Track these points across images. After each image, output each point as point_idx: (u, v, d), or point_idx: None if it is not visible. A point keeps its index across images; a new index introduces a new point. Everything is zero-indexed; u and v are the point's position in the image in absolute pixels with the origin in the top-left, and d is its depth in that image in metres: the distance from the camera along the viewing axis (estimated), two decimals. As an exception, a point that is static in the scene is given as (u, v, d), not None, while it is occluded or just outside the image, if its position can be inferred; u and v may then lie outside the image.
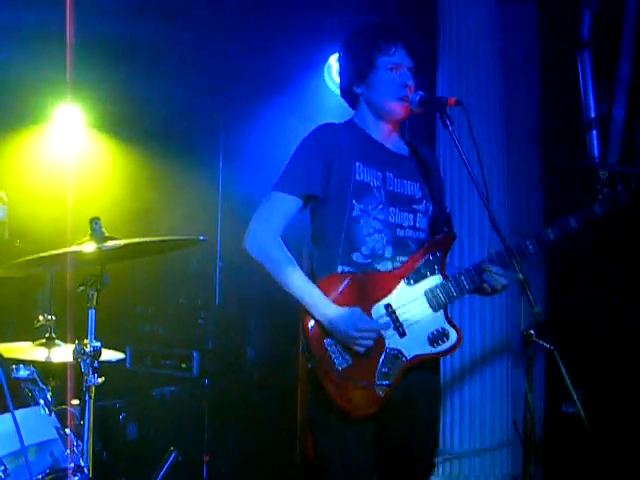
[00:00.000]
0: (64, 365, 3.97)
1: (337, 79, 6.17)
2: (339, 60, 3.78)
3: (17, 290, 5.28)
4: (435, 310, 3.52)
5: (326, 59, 6.25)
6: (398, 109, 3.59)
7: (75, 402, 3.96)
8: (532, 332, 3.58)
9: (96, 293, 3.70)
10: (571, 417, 5.18)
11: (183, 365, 6.10)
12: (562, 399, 5.42)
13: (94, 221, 3.74)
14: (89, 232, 3.77)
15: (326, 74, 6.28)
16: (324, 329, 3.43)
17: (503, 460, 5.25)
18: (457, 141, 3.45)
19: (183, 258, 6.16)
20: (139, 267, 5.85)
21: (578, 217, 3.60)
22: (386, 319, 3.46)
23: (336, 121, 3.73)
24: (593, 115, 5.48)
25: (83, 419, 3.70)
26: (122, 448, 5.34)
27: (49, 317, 4.10)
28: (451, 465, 5.28)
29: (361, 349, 3.40)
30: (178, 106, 6.29)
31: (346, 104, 3.79)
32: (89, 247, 3.71)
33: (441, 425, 5.29)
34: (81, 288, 3.69)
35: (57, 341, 4.12)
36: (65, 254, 3.78)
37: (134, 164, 6.28)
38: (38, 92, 6.08)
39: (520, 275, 3.34)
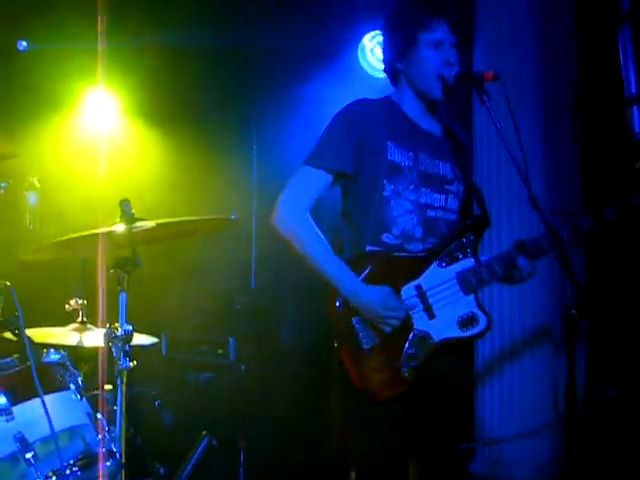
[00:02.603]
0: (96, 349, 3.94)
1: (371, 60, 6.21)
2: (382, 36, 3.70)
3: (48, 274, 5.27)
4: (466, 294, 3.45)
5: (359, 40, 6.18)
6: (437, 86, 3.52)
7: (108, 387, 3.92)
8: (574, 312, 3.49)
9: (127, 276, 3.66)
10: (613, 399, 5.08)
11: (219, 351, 6.06)
12: (604, 381, 5.32)
13: (124, 202, 3.70)
14: (119, 214, 3.74)
15: (360, 55, 6.21)
16: (352, 307, 3.37)
17: (544, 444, 5.17)
18: (495, 118, 3.36)
19: (218, 242, 6.13)
20: (175, 252, 5.82)
21: (615, 209, 3.52)
22: (415, 300, 3.41)
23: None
24: (634, 91, 5.36)
25: (115, 404, 3.67)
26: (157, 434, 5.30)
27: (80, 301, 4.08)
28: (491, 450, 5.21)
29: (388, 328, 3.35)
30: (211, 89, 6.24)
31: (385, 82, 3.73)
32: (118, 228, 3.67)
33: (480, 409, 5.23)
34: (112, 271, 3.65)
35: (89, 325, 4.09)
36: (95, 236, 3.75)
37: (166, 148, 6.26)
38: (70, 78, 6.07)
39: (561, 256, 3.27)
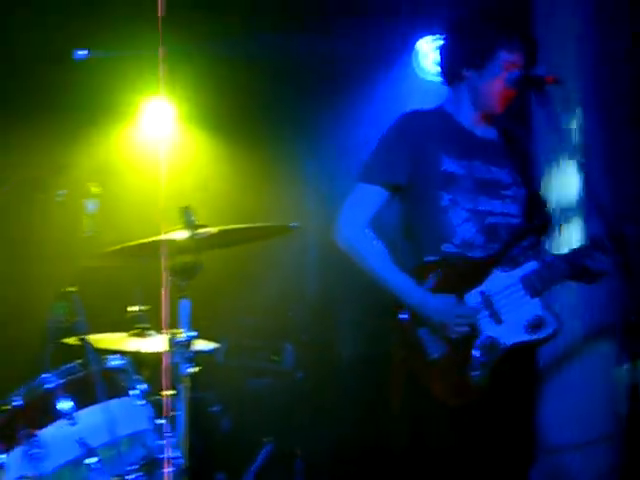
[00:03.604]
0: (157, 355, 3.95)
1: (425, 64, 6.18)
2: (450, 37, 3.66)
3: (109, 281, 5.31)
4: (532, 297, 3.42)
5: (412, 44, 6.17)
6: (501, 104, 3.52)
7: (169, 392, 3.93)
8: (634, 318, 3.45)
9: (188, 282, 3.68)
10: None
11: (275, 357, 6.06)
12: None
13: (185, 210, 3.73)
14: (180, 221, 3.76)
15: (414, 59, 6.19)
16: (417, 318, 3.37)
17: (604, 454, 5.10)
18: (555, 121, 3.34)
19: (274, 248, 6.14)
20: (230, 257, 5.83)
21: None
22: (481, 306, 3.40)
23: (422, 107, 3.67)
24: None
25: (177, 409, 3.69)
26: (215, 440, 5.31)
27: (141, 307, 4.11)
28: (550, 458, 5.15)
29: (456, 336, 3.34)
30: (268, 98, 6.25)
31: (438, 86, 3.71)
32: (180, 235, 3.69)
33: (539, 417, 5.17)
34: (173, 277, 3.67)
35: (150, 331, 4.12)
36: (156, 243, 3.77)
37: (224, 156, 6.28)
38: (128, 86, 6.12)
39: (622, 260, 3.23)
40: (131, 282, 4.84)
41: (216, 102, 6.18)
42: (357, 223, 3.50)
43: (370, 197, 3.53)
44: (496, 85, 3.49)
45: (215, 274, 4.38)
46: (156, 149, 5.92)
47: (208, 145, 6.36)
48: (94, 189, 4.68)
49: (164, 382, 3.80)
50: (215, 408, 5.48)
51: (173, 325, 3.81)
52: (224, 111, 6.22)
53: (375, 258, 3.47)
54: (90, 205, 4.63)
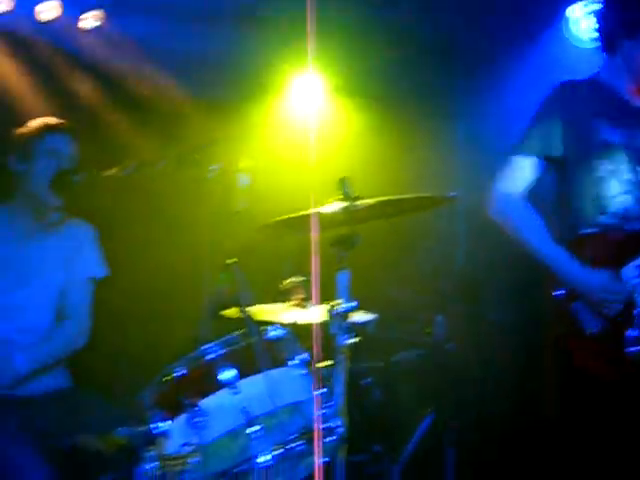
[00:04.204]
0: (315, 326, 3.98)
1: (579, 30, 6.03)
2: (605, 6, 3.56)
3: (267, 253, 5.39)
4: None
5: (563, 10, 6.03)
6: None
7: (326, 363, 3.96)
8: None
9: (346, 253, 3.69)
10: None
11: (426, 330, 6.05)
12: None
13: (343, 181, 3.73)
14: (338, 192, 3.78)
15: (565, 26, 6.06)
16: (572, 292, 3.31)
17: None
18: None
19: (424, 219, 6.11)
20: (379, 229, 5.84)
21: None
22: (638, 280, 3.30)
23: (575, 74, 3.58)
24: None
25: (335, 380, 3.71)
26: (368, 412, 5.33)
27: (299, 279, 4.14)
28: None
29: (612, 312, 3.26)
30: (416, 69, 6.21)
31: (591, 53, 3.62)
32: (338, 207, 3.70)
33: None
34: (332, 249, 3.70)
35: (308, 302, 4.15)
36: (313, 215, 3.79)
37: (373, 127, 6.27)
38: (278, 60, 6.16)
39: None
40: (288, 254, 4.92)
41: (366, 74, 6.17)
42: (513, 195, 3.47)
43: (526, 169, 3.49)
44: None
45: (367, 246, 4.38)
46: (307, 122, 5.96)
47: (359, 117, 6.36)
48: (246, 163, 4.71)
49: (321, 353, 3.83)
50: (367, 380, 5.50)
51: (331, 297, 3.85)
52: (375, 82, 6.21)
53: (531, 231, 3.43)
54: (243, 179, 4.66)
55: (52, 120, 4.78)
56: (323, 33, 5.54)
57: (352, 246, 3.72)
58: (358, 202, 3.73)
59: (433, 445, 5.55)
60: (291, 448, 3.45)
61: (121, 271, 4.93)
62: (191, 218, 4.23)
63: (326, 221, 3.90)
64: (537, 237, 3.41)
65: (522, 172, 3.49)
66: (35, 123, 4.72)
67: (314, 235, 3.94)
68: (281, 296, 4.33)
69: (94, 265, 4.79)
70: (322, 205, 3.89)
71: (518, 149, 3.51)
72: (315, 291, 3.88)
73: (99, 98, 5.80)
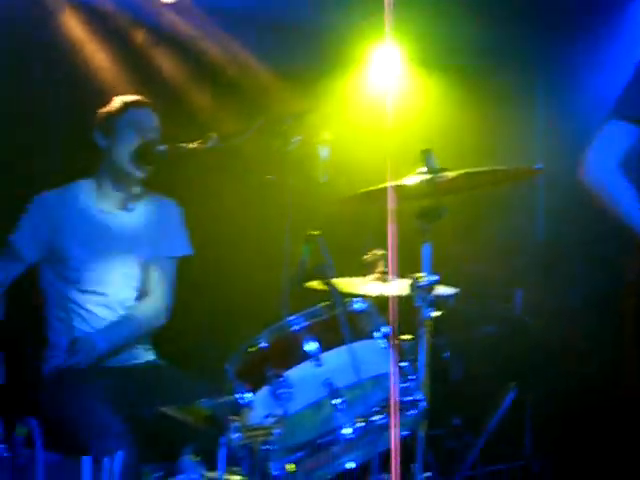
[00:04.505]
0: (397, 299, 3.96)
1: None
2: None
3: (347, 226, 5.39)
4: None
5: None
6: None
7: (407, 337, 3.95)
8: None
9: (430, 226, 3.67)
10: None
11: (505, 304, 6.00)
12: None
13: (426, 152, 3.71)
14: (420, 164, 3.75)
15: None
16: None
17: None
18: None
19: (504, 191, 6.05)
20: (458, 202, 5.80)
21: None
22: None
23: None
24: None
25: (417, 353, 3.70)
26: (448, 386, 5.32)
27: (381, 252, 4.12)
28: None
29: None
30: (498, 34, 6.12)
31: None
32: (422, 179, 3.68)
33: None
34: (417, 221, 3.68)
35: (389, 275, 4.13)
36: (391, 188, 3.77)
37: (453, 98, 6.21)
38: (356, 31, 6.13)
39: None
40: (369, 226, 4.91)
41: (446, 44, 6.11)
42: (608, 162, 3.39)
43: (622, 135, 3.40)
44: None
45: (445, 219, 4.35)
46: (387, 94, 5.93)
47: (439, 88, 6.30)
48: (327, 136, 4.70)
49: (405, 326, 3.82)
50: (446, 354, 5.48)
51: (414, 270, 3.83)
52: (455, 53, 6.15)
53: (628, 200, 3.36)
54: (324, 151, 4.65)
55: (133, 96, 4.84)
56: (402, 3, 5.51)
57: (437, 218, 3.70)
58: (442, 174, 3.70)
59: (512, 420, 5.52)
60: (373, 421, 3.44)
61: (204, 245, 4.98)
62: (273, 190, 4.24)
63: (409, 193, 3.87)
64: (631, 206, 3.34)
65: (618, 138, 3.41)
66: (117, 99, 4.78)
67: (392, 207, 3.92)
68: (363, 269, 4.32)
69: (179, 243, 4.83)
70: (402, 177, 3.87)
71: (615, 114, 3.43)
72: (392, 264, 3.87)
73: (181, 72, 5.83)
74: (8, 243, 4.59)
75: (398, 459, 3.30)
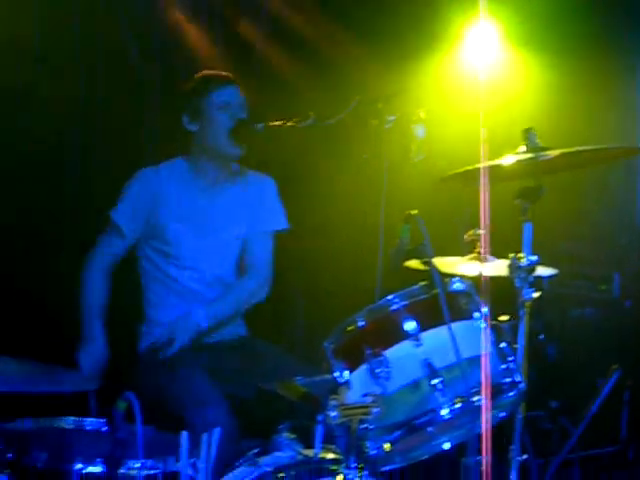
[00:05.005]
0: (496, 279, 3.92)
1: None
2: None
3: (443, 205, 5.36)
4: None
5: None
6: None
7: (505, 318, 3.90)
8: None
9: (531, 206, 3.62)
10: None
11: (602, 287, 5.89)
12: None
13: (528, 131, 3.65)
14: (521, 143, 3.70)
15: None
16: None
17: None
18: None
19: (602, 171, 5.94)
20: (558, 182, 5.72)
21: None
22: None
23: None
24: None
25: (516, 335, 3.66)
26: (544, 368, 5.25)
27: (480, 231, 4.08)
28: None
29: None
30: (597, 12, 6.00)
31: None
32: (522, 158, 3.63)
33: None
34: (517, 200, 3.63)
35: (488, 256, 4.09)
36: (493, 167, 3.73)
37: (549, 78, 6.10)
38: (450, 10, 6.06)
39: None
40: (467, 205, 4.85)
41: (545, 21, 6.00)
42: None
43: None
44: None
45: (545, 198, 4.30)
46: (482, 73, 5.85)
47: (535, 67, 6.19)
48: (422, 115, 4.67)
49: (503, 307, 3.78)
50: (541, 336, 5.41)
51: (509, 250, 3.79)
52: (553, 31, 6.04)
53: None
54: (419, 131, 4.62)
55: (217, 73, 4.83)
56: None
57: (538, 198, 3.65)
58: (545, 153, 3.64)
59: (608, 404, 5.43)
60: (472, 402, 3.41)
61: (299, 223, 4.99)
62: (368, 170, 4.22)
63: (510, 173, 3.82)
64: None
65: None
66: (201, 79, 4.78)
67: (485, 187, 3.87)
68: (459, 248, 4.28)
69: (276, 218, 4.84)
70: (500, 157, 3.82)
71: None
72: (486, 244, 3.83)
73: (276, 51, 5.83)
74: (110, 220, 4.66)
75: (490, 441, 3.28)
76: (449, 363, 3.43)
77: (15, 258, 5.23)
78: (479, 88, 5.83)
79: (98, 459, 3.34)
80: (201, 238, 4.67)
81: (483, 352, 3.46)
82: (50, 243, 5.39)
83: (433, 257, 3.47)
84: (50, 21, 5.29)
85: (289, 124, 4.41)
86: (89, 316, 4.53)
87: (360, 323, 3.49)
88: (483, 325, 3.53)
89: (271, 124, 4.49)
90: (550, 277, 4.23)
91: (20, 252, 5.28)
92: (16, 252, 5.24)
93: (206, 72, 4.84)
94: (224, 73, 4.80)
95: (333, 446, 3.55)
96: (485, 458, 3.55)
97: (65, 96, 5.26)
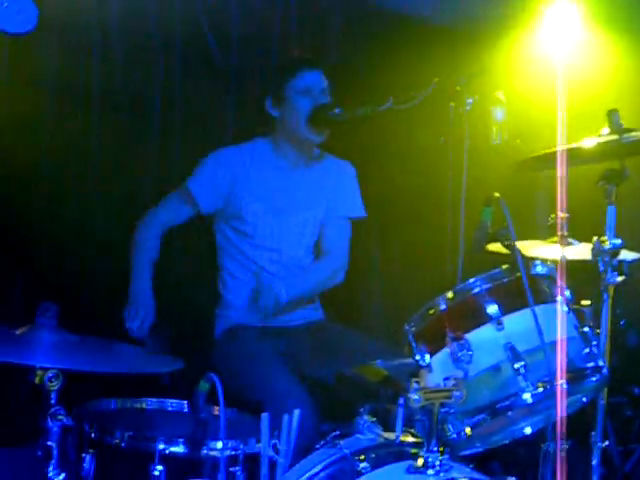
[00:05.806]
0: (578, 263, 3.88)
1: None
2: None
3: (523, 188, 5.31)
4: None
5: None
6: None
7: (587, 302, 3.86)
8: None
9: (615, 188, 3.57)
10: None
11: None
12: None
13: (612, 113, 3.60)
14: (602, 125, 3.65)
15: None
16: None
17: None
18: None
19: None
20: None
21: None
22: None
23: None
24: None
25: (600, 319, 3.62)
26: (626, 353, 5.17)
27: (563, 214, 4.04)
28: None
29: None
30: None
31: None
32: (606, 140, 3.58)
33: None
34: (601, 183, 3.58)
35: (570, 239, 4.05)
36: (578, 149, 3.68)
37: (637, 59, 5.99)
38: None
39: None
40: (547, 189, 4.80)
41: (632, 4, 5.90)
42: None
43: None
44: None
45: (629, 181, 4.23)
46: (562, 53, 5.76)
47: (620, 48, 6.07)
48: (501, 97, 4.62)
49: (586, 291, 3.74)
50: (622, 322, 5.33)
51: (593, 233, 3.75)
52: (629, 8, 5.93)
53: None
54: (498, 113, 4.57)
55: (300, 57, 4.84)
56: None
57: (622, 180, 3.59)
58: (630, 134, 3.58)
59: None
60: (554, 386, 3.38)
61: (377, 207, 4.98)
62: (447, 152, 4.20)
63: (590, 155, 3.77)
64: None
65: None
66: (284, 63, 4.79)
67: (562, 170, 3.82)
68: (540, 232, 4.25)
69: (354, 205, 4.86)
70: (581, 139, 3.77)
71: None
72: (562, 228, 3.78)
73: (352, 34, 5.81)
74: (185, 187, 4.69)
75: (564, 427, 3.25)
76: (532, 347, 3.40)
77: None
78: (559, 69, 5.76)
79: (180, 439, 3.38)
80: (279, 219, 4.69)
81: (566, 335, 3.43)
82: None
83: (516, 240, 3.43)
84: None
85: (369, 108, 4.40)
86: (140, 268, 4.55)
87: (442, 306, 3.48)
88: (566, 309, 3.49)
89: (351, 109, 4.48)
90: (633, 261, 4.16)
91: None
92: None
93: (289, 56, 4.86)
94: (306, 57, 4.81)
95: (413, 429, 3.55)
96: (561, 443, 3.53)
97: (141, 81, 5.27)
